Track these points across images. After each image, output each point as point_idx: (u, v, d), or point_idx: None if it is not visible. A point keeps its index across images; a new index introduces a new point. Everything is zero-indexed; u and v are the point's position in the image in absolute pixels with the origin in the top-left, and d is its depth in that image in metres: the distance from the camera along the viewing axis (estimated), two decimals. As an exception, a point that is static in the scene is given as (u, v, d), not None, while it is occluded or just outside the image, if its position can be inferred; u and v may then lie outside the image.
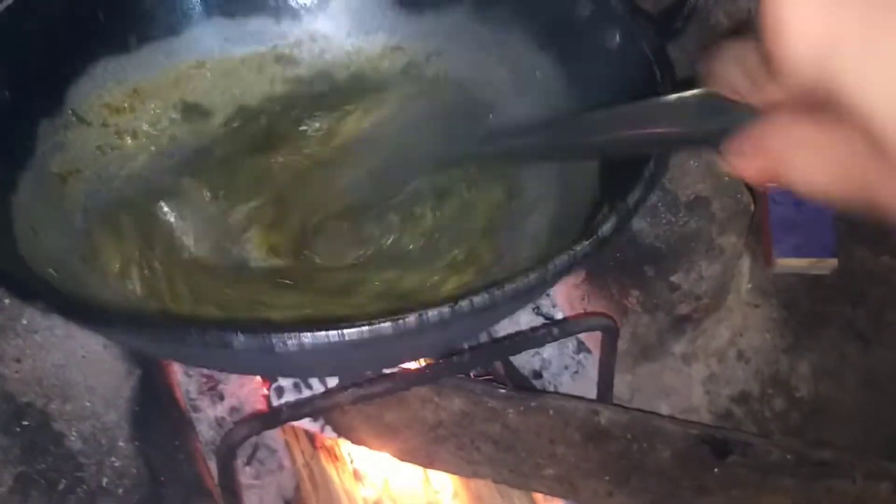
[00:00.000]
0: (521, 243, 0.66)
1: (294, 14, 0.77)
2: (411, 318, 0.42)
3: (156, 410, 0.62)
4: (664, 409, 0.75)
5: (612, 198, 0.57)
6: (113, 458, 0.56)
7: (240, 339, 0.41)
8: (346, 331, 0.41)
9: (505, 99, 0.75)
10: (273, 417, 0.59)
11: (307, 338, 0.41)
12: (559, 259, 0.46)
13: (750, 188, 0.73)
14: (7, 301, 0.63)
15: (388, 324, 0.42)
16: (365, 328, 0.42)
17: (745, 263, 0.79)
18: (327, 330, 0.41)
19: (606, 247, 0.49)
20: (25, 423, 0.57)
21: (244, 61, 0.76)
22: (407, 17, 0.77)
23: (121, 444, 0.57)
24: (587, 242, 0.48)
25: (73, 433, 0.57)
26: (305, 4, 0.77)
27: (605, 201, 0.58)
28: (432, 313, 0.43)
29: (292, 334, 0.41)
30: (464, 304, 0.43)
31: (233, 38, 0.75)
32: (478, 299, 0.43)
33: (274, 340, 0.41)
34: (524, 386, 0.79)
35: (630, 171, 0.56)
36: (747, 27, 0.85)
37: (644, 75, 0.60)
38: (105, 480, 0.55)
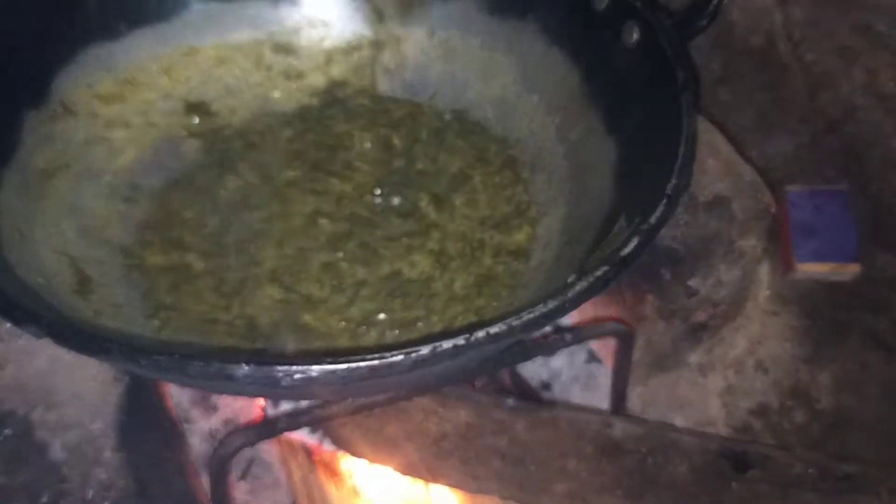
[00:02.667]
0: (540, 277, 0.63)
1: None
2: (425, 350, 0.40)
3: (145, 420, 0.60)
4: (679, 422, 0.72)
5: (629, 208, 0.55)
6: (99, 470, 0.53)
7: (244, 371, 0.39)
8: (355, 364, 0.39)
9: (511, 94, 0.72)
10: (269, 427, 0.55)
11: (314, 371, 0.39)
12: (578, 286, 0.44)
13: (771, 188, 0.71)
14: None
15: (400, 356, 0.40)
16: (376, 361, 0.39)
17: (764, 269, 0.76)
18: (333, 363, 0.39)
19: (628, 269, 0.46)
20: (7, 431, 0.55)
21: (239, 48, 0.73)
22: (412, 4, 0.74)
23: (107, 454, 0.54)
24: (607, 268, 0.45)
25: (58, 443, 0.55)
26: (305, -14, 0.74)
27: (622, 210, 0.56)
28: (446, 344, 0.41)
29: (299, 367, 0.39)
30: (479, 334, 0.41)
31: (227, 24, 0.72)
32: (494, 329, 0.42)
33: (279, 373, 0.39)
34: (532, 397, 0.76)
35: (650, 178, 0.53)
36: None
37: (663, 74, 0.57)
38: (90, 493, 0.53)
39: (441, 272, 0.63)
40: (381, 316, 0.60)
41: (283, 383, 0.39)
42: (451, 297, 0.62)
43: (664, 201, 0.49)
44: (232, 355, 0.39)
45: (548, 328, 0.67)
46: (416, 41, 0.75)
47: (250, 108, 0.72)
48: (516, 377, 0.78)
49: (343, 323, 0.59)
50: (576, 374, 0.78)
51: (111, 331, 0.51)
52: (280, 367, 0.39)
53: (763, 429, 0.73)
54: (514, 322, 0.42)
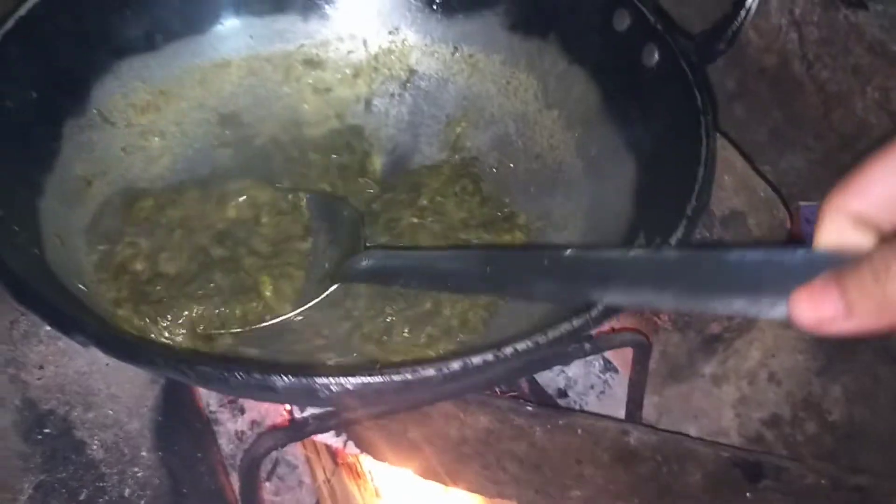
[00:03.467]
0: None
1: (322, 14, 0.76)
2: (456, 365, 0.42)
3: (179, 420, 0.61)
4: (693, 432, 0.73)
5: (648, 226, 0.56)
6: (135, 468, 0.55)
7: (284, 383, 0.41)
8: (391, 376, 0.41)
9: (532, 109, 0.74)
10: (298, 430, 0.57)
11: (350, 384, 0.41)
12: (602, 305, 0.45)
13: (786, 204, 0.72)
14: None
15: (432, 371, 0.42)
16: (408, 374, 0.41)
17: (778, 283, 0.77)
18: (370, 376, 0.41)
19: None
20: (47, 430, 0.56)
21: (270, 61, 0.75)
22: (437, 20, 0.76)
23: (143, 453, 0.55)
24: None
25: (96, 442, 0.56)
26: (335, 3, 0.76)
27: (641, 228, 0.57)
28: (476, 359, 0.42)
29: (337, 380, 0.41)
30: (507, 350, 0.43)
31: (259, 37, 0.74)
32: (521, 345, 0.43)
33: (318, 385, 0.41)
34: (549, 404, 0.77)
35: (669, 197, 0.55)
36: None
37: (683, 96, 0.59)
38: (127, 491, 0.54)
39: None
40: (390, 318, 0.61)
41: (321, 395, 0.41)
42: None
43: (684, 222, 0.50)
44: (272, 367, 0.41)
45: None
46: (439, 56, 0.77)
47: (279, 119, 0.74)
48: (533, 384, 0.80)
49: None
50: (591, 383, 0.79)
51: (155, 342, 0.53)
52: (319, 380, 0.41)
53: (775, 440, 0.74)
54: (541, 339, 0.44)
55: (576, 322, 0.44)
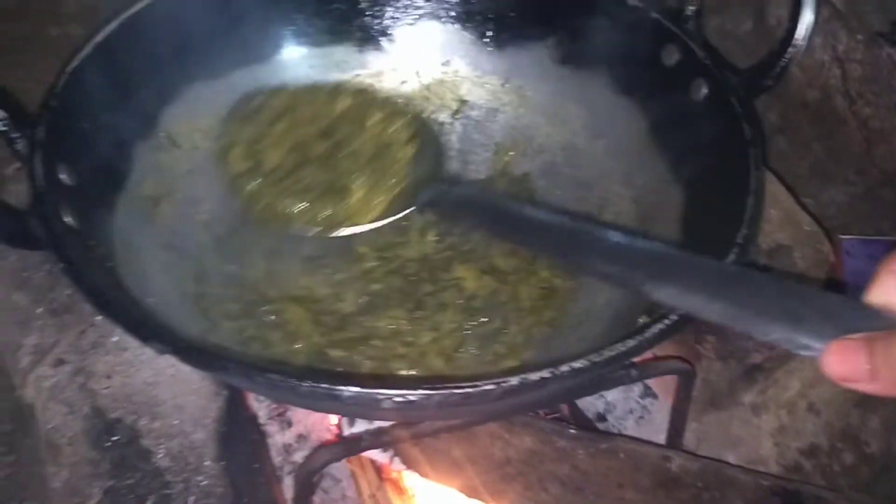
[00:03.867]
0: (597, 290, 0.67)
1: (377, 46, 0.79)
2: (514, 381, 0.44)
3: (239, 432, 0.63)
4: (731, 460, 0.73)
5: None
6: (199, 477, 0.57)
7: (350, 393, 0.42)
8: (452, 390, 0.43)
9: (580, 139, 0.76)
10: (354, 445, 0.59)
11: (412, 396, 0.43)
12: (655, 328, 0.47)
13: (830, 239, 0.73)
14: (99, 318, 0.64)
15: (491, 386, 0.43)
16: (469, 388, 0.43)
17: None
18: (431, 389, 0.43)
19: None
20: (115, 438, 0.58)
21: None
22: (488, 53, 0.78)
23: (207, 463, 0.57)
24: (677, 316, 0.48)
25: (161, 450, 0.58)
26: (389, 36, 0.78)
27: None
28: (533, 376, 0.44)
29: (399, 392, 0.43)
30: (564, 368, 0.45)
31: (317, 66, 0.77)
32: (577, 364, 0.45)
33: (380, 396, 0.43)
34: (589, 427, 0.78)
35: (716, 228, 0.56)
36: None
37: (731, 129, 0.60)
38: (192, 499, 0.56)
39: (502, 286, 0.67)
40: (467, 332, 0.64)
41: (384, 405, 0.43)
42: (520, 309, 0.66)
43: (735, 249, 0.52)
44: (339, 378, 0.43)
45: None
46: (489, 87, 0.79)
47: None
48: (574, 408, 0.81)
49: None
50: (631, 408, 0.80)
51: (226, 350, 0.55)
52: (383, 391, 0.43)
53: (813, 469, 0.74)
54: (596, 359, 0.45)
55: (630, 343, 0.46)
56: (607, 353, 0.46)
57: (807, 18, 0.61)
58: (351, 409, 0.56)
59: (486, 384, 0.43)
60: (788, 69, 0.63)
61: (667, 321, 0.47)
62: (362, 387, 0.43)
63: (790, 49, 0.62)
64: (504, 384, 0.44)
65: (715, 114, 0.63)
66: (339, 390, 0.43)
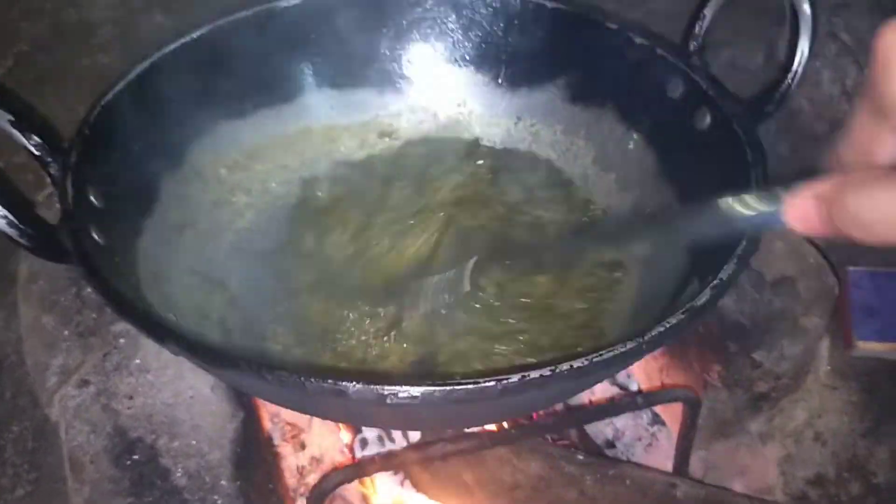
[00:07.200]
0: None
1: (396, 88, 0.81)
2: (514, 379, 0.44)
3: (255, 452, 0.65)
4: (738, 488, 0.74)
5: (702, 274, 0.59)
6: (216, 496, 0.59)
7: (355, 389, 0.44)
8: (452, 387, 0.44)
9: (591, 172, 0.78)
10: (365, 467, 0.61)
11: (417, 392, 0.44)
12: (654, 331, 0.48)
13: (835, 271, 0.74)
14: (122, 341, 0.67)
15: (492, 383, 0.44)
16: (471, 385, 0.44)
17: (825, 345, 0.79)
18: (437, 385, 0.44)
19: (699, 320, 0.50)
20: (135, 456, 0.60)
21: (347, 129, 0.81)
22: (501, 93, 0.81)
23: (223, 482, 0.59)
24: (682, 314, 0.49)
25: (179, 469, 0.60)
26: (408, 79, 0.81)
27: (695, 276, 0.60)
28: (533, 374, 0.45)
29: (404, 388, 0.43)
30: (564, 367, 0.45)
31: (338, 107, 0.80)
32: (577, 363, 0.46)
33: (386, 392, 0.44)
34: (597, 454, 0.79)
35: (721, 250, 0.58)
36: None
37: (735, 157, 0.62)
38: (208, 518, 0.58)
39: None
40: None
41: (389, 402, 0.44)
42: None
43: (735, 261, 0.53)
44: (344, 374, 0.45)
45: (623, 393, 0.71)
46: (502, 126, 0.82)
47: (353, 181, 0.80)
48: (582, 434, 0.82)
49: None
50: (639, 435, 0.81)
51: (238, 348, 0.57)
52: (386, 388, 0.44)
53: (819, 499, 0.75)
54: (595, 359, 0.46)
55: (629, 345, 0.47)
56: (607, 354, 0.46)
57: (802, 48, 0.63)
58: (357, 407, 0.56)
59: (487, 381, 0.44)
60: (788, 96, 0.64)
61: (665, 325, 0.48)
62: (367, 383, 0.44)
63: (788, 77, 0.64)
64: (505, 381, 0.44)
65: (719, 140, 0.65)
66: (345, 386, 0.44)
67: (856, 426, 0.76)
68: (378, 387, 0.44)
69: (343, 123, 0.80)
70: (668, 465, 0.75)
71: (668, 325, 0.48)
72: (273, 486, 0.65)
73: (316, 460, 0.77)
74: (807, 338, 0.73)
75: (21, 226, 0.53)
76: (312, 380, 0.45)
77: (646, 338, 0.48)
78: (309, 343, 0.64)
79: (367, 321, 0.65)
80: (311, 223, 0.74)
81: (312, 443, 0.78)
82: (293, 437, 0.78)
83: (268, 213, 0.75)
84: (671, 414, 0.79)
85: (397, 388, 0.44)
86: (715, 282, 0.52)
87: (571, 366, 0.46)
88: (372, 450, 0.72)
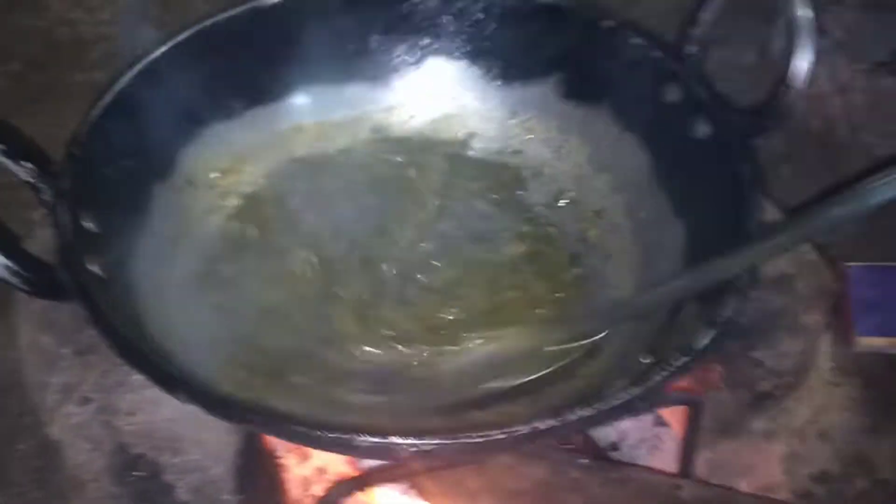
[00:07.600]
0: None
1: (387, 83, 0.81)
2: (524, 429, 0.46)
3: (258, 466, 0.64)
4: (743, 487, 0.74)
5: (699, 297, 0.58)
6: (219, 511, 0.58)
7: (366, 443, 0.45)
8: (463, 440, 0.46)
9: (585, 172, 0.78)
10: (368, 479, 0.60)
11: (427, 445, 0.45)
12: (659, 376, 0.50)
13: (832, 264, 0.74)
14: (122, 358, 0.66)
15: (502, 435, 0.46)
16: (480, 438, 0.46)
17: (826, 342, 0.79)
18: (447, 439, 0.46)
19: (703, 360, 0.51)
20: (137, 473, 0.60)
21: (338, 125, 0.80)
22: (496, 88, 0.81)
23: (226, 497, 0.59)
24: (686, 359, 0.50)
25: (182, 485, 0.60)
26: (400, 73, 0.81)
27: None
28: (541, 425, 0.46)
29: (415, 440, 0.45)
30: (571, 416, 0.47)
31: (329, 104, 0.80)
32: (584, 412, 0.48)
33: (395, 445, 0.45)
34: (601, 457, 0.79)
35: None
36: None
37: (730, 170, 0.62)
38: (211, 533, 0.57)
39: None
40: None
41: (400, 454, 0.46)
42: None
43: (737, 296, 0.53)
44: (354, 428, 0.45)
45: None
46: (497, 121, 0.81)
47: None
48: (586, 437, 0.82)
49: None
50: (643, 437, 0.81)
51: (249, 402, 0.57)
52: (400, 441, 0.45)
53: (825, 496, 0.75)
54: (603, 407, 0.48)
55: (635, 391, 0.48)
56: (614, 402, 0.48)
57: (801, 63, 0.62)
58: (368, 456, 0.58)
59: (497, 433, 0.46)
60: (790, 110, 0.64)
61: (671, 368, 0.50)
62: (380, 437, 0.45)
63: (788, 91, 0.63)
64: (514, 433, 0.46)
65: (715, 152, 0.65)
66: (356, 441, 0.45)
67: (859, 422, 0.76)
68: (392, 440, 0.45)
69: (333, 120, 0.79)
70: (673, 467, 0.74)
71: (672, 369, 0.50)
72: (278, 499, 0.65)
73: (321, 471, 0.77)
74: (807, 335, 0.73)
75: (17, 268, 0.53)
76: (325, 433, 0.46)
77: (650, 384, 0.50)
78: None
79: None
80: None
81: (317, 454, 0.77)
82: (297, 448, 0.77)
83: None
84: (674, 415, 0.78)
85: (409, 441, 0.45)
86: (718, 319, 0.53)
87: (580, 416, 0.48)
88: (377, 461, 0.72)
